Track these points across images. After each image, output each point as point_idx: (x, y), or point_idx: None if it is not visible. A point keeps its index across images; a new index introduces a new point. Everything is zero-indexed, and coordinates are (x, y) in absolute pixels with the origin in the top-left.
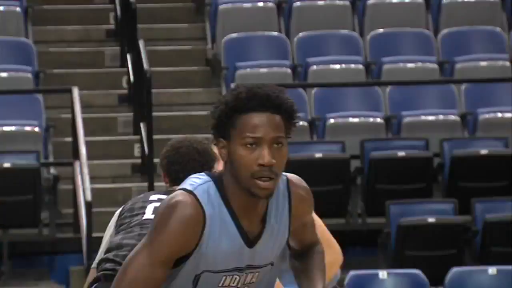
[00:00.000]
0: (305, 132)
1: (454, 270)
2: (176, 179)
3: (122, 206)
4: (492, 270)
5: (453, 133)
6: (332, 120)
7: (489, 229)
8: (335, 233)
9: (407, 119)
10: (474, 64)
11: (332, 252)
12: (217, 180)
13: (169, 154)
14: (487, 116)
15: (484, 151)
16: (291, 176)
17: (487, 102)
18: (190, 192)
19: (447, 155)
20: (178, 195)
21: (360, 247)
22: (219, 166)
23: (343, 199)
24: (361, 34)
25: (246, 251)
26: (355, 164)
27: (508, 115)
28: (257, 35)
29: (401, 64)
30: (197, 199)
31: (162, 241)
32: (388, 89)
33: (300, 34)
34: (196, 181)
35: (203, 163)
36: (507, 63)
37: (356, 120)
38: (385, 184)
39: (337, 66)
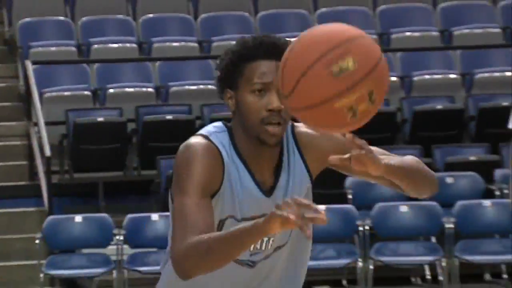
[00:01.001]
0: (89, 100)
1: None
2: None
3: None
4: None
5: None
6: (111, 90)
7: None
8: (114, 184)
9: (173, 89)
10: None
11: None
12: (230, 131)
13: None
14: None
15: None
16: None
17: None
18: (204, 136)
19: None
20: (191, 138)
21: (135, 195)
22: None
23: (121, 155)
24: (134, 18)
25: (263, 200)
26: (131, 126)
27: None
28: (45, 19)
29: (167, 43)
30: (213, 143)
31: (191, 175)
32: (157, 64)
33: (84, 19)
34: (211, 129)
35: None
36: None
37: (131, 90)
38: (156, 142)
39: (115, 45)
